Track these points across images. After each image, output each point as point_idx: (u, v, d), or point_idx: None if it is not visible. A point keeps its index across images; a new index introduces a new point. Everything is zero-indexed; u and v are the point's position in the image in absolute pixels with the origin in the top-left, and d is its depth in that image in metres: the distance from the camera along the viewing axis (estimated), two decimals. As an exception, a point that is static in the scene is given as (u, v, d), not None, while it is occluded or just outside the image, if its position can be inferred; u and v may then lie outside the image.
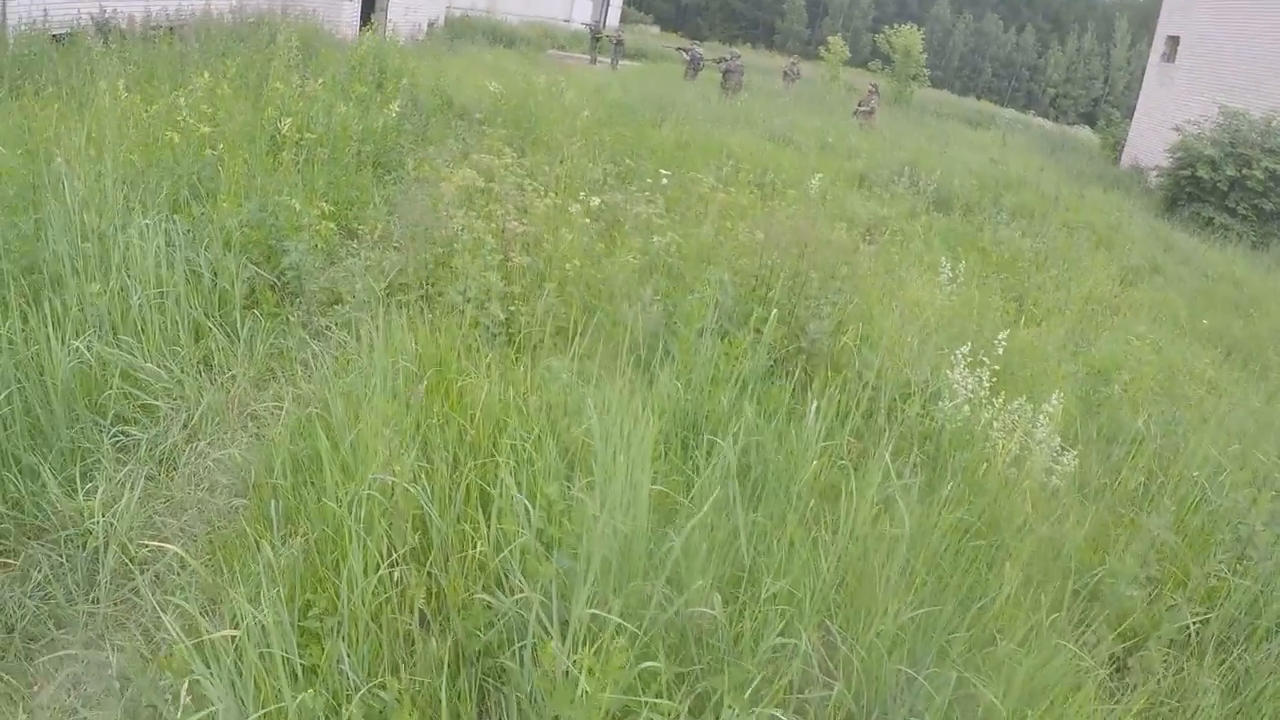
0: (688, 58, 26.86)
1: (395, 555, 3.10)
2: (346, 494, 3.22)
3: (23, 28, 11.58)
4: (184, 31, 12.84)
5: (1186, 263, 14.17)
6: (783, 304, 5.91)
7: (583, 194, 5.93)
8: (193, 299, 4.86)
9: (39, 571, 3.37)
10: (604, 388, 4.09)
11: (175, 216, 5.41)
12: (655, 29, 54.84)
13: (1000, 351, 5.47)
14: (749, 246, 6.41)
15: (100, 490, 3.51)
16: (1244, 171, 18.70)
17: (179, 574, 3.39)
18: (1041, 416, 5.10)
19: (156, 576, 3.42)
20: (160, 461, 4.04)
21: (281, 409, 4.30)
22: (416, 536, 3.25)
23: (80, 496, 3.55)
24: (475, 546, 3.24)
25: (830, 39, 35.31)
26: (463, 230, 5.60)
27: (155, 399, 4.26)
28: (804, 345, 5.68)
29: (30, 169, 5.75)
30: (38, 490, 3.60)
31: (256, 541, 3.25)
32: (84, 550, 3.42)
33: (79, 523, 3.49)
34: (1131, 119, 27.82)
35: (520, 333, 5.04)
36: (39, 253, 4.76)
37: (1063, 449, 5.02)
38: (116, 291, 4.57)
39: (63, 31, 12.17)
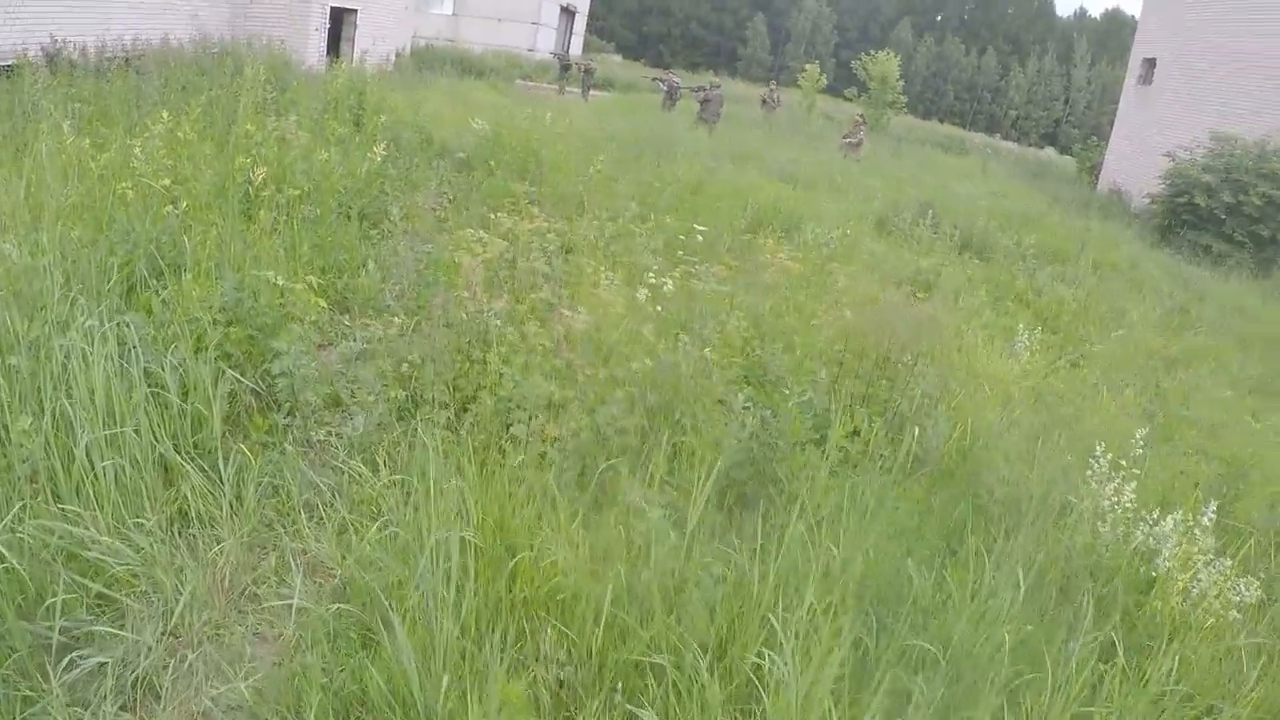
0: (664, 88, 25.85)
1: None
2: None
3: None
4: (142, 63, 11.60)
5: (1204, 299, 13.40)
6: (883, 399, 4.92)
7: (651, 275, 4.83)
8: (158, 429, 3.66)
9: None
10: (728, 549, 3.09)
11: (130, 311, 4.23)
12: (618, 58, 53.61)
13: (1139, 451, 4.64)
14: (825, 322, 5.40)
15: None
16: (1240, 198, 18.09)
17: None
18: (1198, 531, 4.27)
19: None
20: (134, 687, 2.84)
21: (290, 591, 3.13)
22: None
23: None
24: None
25: (807, 67, 34.48)
26: (496, 318, 4.50)
27: (118, 591, 3.07)
28: (919, 454, 4.64)
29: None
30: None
31: None
32: None
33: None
34: (1101, 139, 27.33)
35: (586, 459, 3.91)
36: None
37: (1236, 573, 4.13)
38: (54, 428, 3.38)
39: (8, 63, 10.90)
